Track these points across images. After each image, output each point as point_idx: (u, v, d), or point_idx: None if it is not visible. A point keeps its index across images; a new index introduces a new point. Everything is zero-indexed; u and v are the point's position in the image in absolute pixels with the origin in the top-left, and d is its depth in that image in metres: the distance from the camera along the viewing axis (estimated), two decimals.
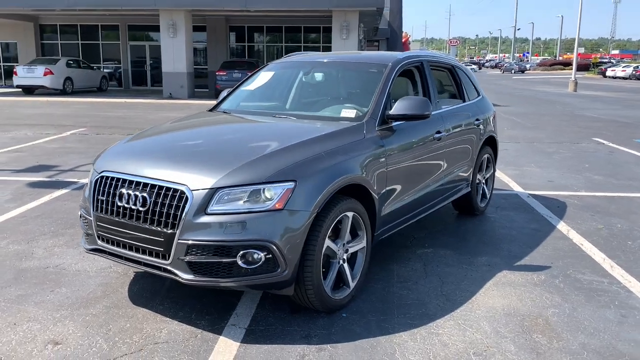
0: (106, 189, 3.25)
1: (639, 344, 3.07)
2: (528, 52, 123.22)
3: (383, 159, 3.72)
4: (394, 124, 4.00)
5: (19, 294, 3.62)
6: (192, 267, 2.95)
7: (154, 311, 3.39)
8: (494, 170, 5.92)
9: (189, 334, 3.11)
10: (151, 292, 3.67)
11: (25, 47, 27.16)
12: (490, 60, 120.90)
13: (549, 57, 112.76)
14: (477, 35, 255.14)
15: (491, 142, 5.73)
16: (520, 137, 11.62)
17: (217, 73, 20.37)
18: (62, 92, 21.46)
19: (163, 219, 2.99)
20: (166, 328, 3.18)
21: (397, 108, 3.89)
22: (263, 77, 4.80)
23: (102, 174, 3.32)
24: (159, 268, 3.06)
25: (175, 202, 2.97)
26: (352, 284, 3.51)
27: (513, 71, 67.85)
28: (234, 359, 2.86)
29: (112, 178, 3.25)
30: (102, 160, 3.50)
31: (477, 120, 5.25)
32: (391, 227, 4.00)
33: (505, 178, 7.42)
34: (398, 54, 4.54)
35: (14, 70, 21.43)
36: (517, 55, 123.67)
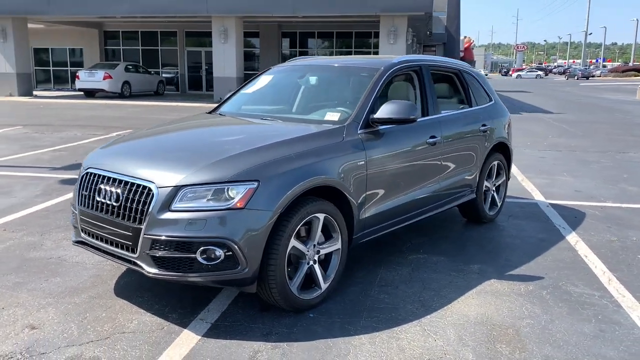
0: (88, 185, 3.44)
1: None
2: (602, 58, 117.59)
3: (362, 162, 3.73)
4: (382, 127, 3.99)
5: (17, 281, 3.88)
6: (156, 261, 3.08)
7: (132, 303, 3.54)
8: (507, 178, 5.76)
9: (156, 325, 3.24)
10: (136, 285, 3.83)
11: (90, 53, 28.67)
12: (558, 66, 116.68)
13: (623, 63, 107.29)
14: (545, 41, 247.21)
15: (502, 149, 5.59)
16: (563, 145, 11.20)
17: None
18: (120, 96, 22.50)
19: (132, 214, 3.14)
20: (137, 319, 3.32)
21: (382, 112, 3.89)
22: (262, 80, 4.91)
23: (87, 170, 3.51)
24: (128, 261, 3.21)
25: (142, 199, 3.12)
26: (323, 285, 3.53)
27: (576, 77, 65.22)
28: (189, 352, 2.95)
29: (94, 174, 3.44)
30: (90, 157, 3.70)
31: (484, 126, 5.14)
32: (375, 231, 3.99)
33: (530, 186, 7.19)
34: (394, 59, 4.53)
35: (77, 74, 22.67)
36: (589, 61, 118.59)
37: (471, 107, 5.25)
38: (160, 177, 3.13)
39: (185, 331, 3.18)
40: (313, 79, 4.73)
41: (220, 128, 4.25)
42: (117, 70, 22.63)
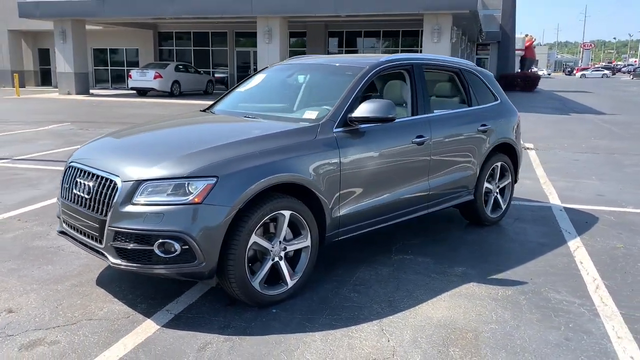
0: (69, 178, 3.63)
1: None
2: None
3: (335, 161, 3.74)
4: (363, 126, 3.99)
5: (12, 267, 4.12)
6: (119, 253, 3.21)
7: (108, 292, 3.70)
8: (514, 180, 5.59)
9: (123, 314, 3.38)
10: (118, 276, 3.98)
11: (145, 53, 29.76)
12: (629, 65, 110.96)
13: None
14: (614, 38, 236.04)
15: (508, 150, 5.43)
16: (602, 148, 10.71)
17: None
18: (170, 94, 23.25)
19: (99, 206, 3.29)
20: (108, 307, 3.46)
21: (359, 110, 3.89)
22: (257, 79, 4.99)
23: (70, 164, 3.70)
24: (97, 251, 3.36)
25: (108, 192, 3.25)
26: (290, 282, 3.57)
27: None
28: (144, 340, 3.06)
29: (74, 168, 3.61)
30: (77, 152, 3.89)
31: (484, 126, 5.02)
32: (352, 229, 3.99)
33: (550, 189, 6.94)
34: (382, 58, 4.50)
35: (129, 73, 23.60)
36: None
37: (470, 106, 5.14)
38: (125, 172, 3.26)
39: (148, 321, 3.29)
40: (301, 78, 4.76)
41: (199, 126, 4.36)
42: (167, 70, 23.39)
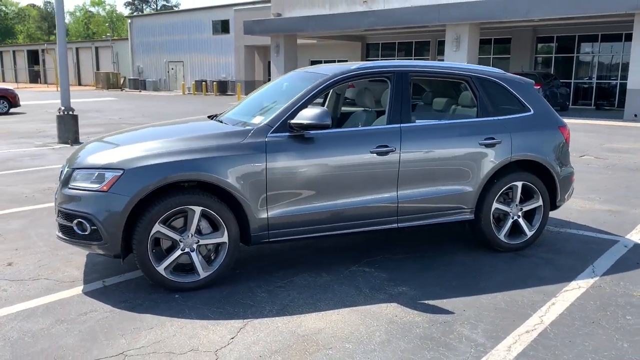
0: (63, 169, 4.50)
1: None
2: None
3: (260, 164, 3.90)
4: (311, 132, 4.06)
5: (42, 230, 5.20)
6: (59, 227, 3.93)
7: (87, 262, 4.46)
8: (546, 203, 4.84)
9: (71, 278, 4.10)
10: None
11: None
12: None
13: None
14: None
15: (535, 168, 4.77)
16: None
17: None
18: None
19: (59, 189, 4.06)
20: (68, 272, 4.22)
21: (298, 117, 3.99)
22: (261, 88, 5.32)
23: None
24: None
25: (63, 177, 3.99)
26: (202, 274, 3.87)
27: None
28: (57, 300, 3.72)
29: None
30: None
31: (490, 139, 4.53)
32: (286, 233, 4.07)
33: None
34: (354, 65, 4.47)
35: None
36: None
37: (479, 117, 4.67)
38: (73, 162, 3.97)
39: (80, 287, 3.95)
40: (284, 85, 4.93)
41: (159, 127, 4.79)
42: (361, 80, 24.44)
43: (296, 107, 4.10)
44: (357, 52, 31.50)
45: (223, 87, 36.11)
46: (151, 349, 3.07)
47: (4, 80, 60.06)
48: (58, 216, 3.93)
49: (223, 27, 37.77)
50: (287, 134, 4.04)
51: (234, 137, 3.98)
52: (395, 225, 4.40)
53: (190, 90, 37.93)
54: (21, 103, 21.45)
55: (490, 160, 4.56)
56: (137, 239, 3.68)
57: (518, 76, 5.06)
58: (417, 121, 4.50)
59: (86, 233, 3.73)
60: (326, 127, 3.97)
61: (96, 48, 52.28)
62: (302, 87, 4.36)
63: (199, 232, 3.87)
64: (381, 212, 4.31)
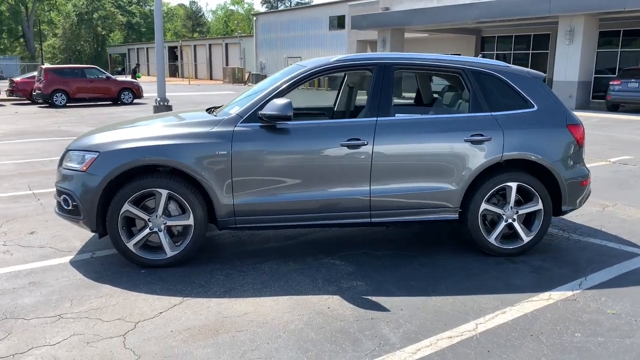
0: None
1: None
2: None
3: (225, 152, 4.08)
4: (285, 123, 4.17)
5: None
6: (56, 203, 4.42)
7: (92, 236, 4.95)
8: (547, 208, 4.46)
9: (71, 249, 4.59)
10: None
11: None
12: None
13: None
14: None
15: (536, 169, 4.44)
16: None
17: (610, 83, 18.11)
18: None
19: None
20: (71, 244, 4.73)
21: (265, 108, 4.11)
22: (261, 82, 5.46)
23: None
24: None
25: (61, 158, 4.49)
26: (169, 252, 4.15)
27: None
28: (45, 266, 4.21)
29: None
30: None
31: (478, 135, 4.30)
32: (252, 220, 4.21)
33: None
34: (334, 58, 4.45)
35: None
36: None
37: (469, 112, 4.43)
38: (71, 144, 4.44)
39: (70, 256, 4.42)
40: (272, 79, 5.00)
41: (161, 117, 5.08)
42: None
43: (267, 98, 4.22)
44: (472, 45, 30.31)
45: (333, 82, 36.64)
46: (86, 315, 3.39)
47: (148, 74, 66.10)
48: (56, 195, 4.42)
49: (339, 22, 38.35)
50: (259, 124, 4.16)
51: (204, 126, 4.20)
52: (368, 220, 4.34)
53: (323, 85, 38.99)
54: (145, 95, 23.58)
55: (477, 158, 4.31)
56: (109, 216, 4.04)
57: (526, 69, 4.70)
58: (397, 115, 4.39)
59: (70, 208, 4.17)
60: (288, 119, 4.04)
61: (226, 45, 55.66)
62: (281, 80, 4.46)
63: (169, 214, 4.15)
64: (353, 205, 4.28)
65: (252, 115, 4.18)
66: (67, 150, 4.33)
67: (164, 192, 4.06)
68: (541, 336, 3.18)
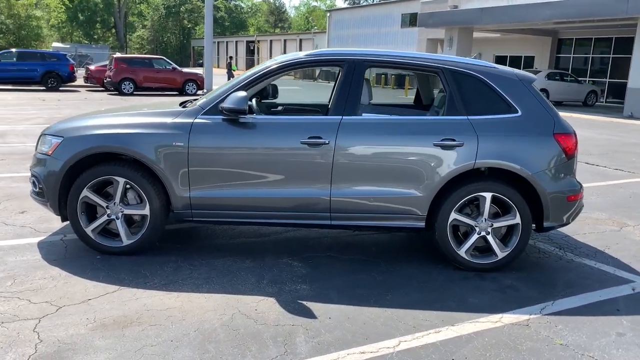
0: None
1: None
2: None
3: (182, 144, 4.05)
4: (247, 118, 4.10)
5: None
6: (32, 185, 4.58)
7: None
8: (526, 223, 4.09)
9: (48, 230, 4.74)
10: None
11: (540, 61, 28.92)
12: None
13: None
14: None
15: (512, 179, 4.09)
16: None
17: None
18: None
19: None
20: (51, 226, 4.88)
21: (225, 101, 4.05)
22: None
23: None
24: None
25: (37, 143, 4.64)
26: (126, 241, 4.19)
27: None
28: (13, 245, 4.36)
29: None
30: None
31: (448, 140, 4.01)
32: (208, 215, 4.17)
33: None
34: (305, 53, 4.30)
35: None
36: None
37: (444, 115, 4.15)
38: (46, 129, 4.58)
39: (45, 237, 4.56)
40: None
41: (137, 108, 5.10)
42: (537, 77, 22.35)
43: (230, 92, 4.14)
44: (547, 47, 28.78)
45: (400, 81, 36.07)
46: (19, 295, 3.48)
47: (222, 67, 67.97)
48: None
49: (411, 20, 37.65)
50: (221, 117, 4.10)
51: (166, 116, 4.19)
52: (328, 222, 4.18)
53: (387, 83, 38.72)
54: (214, 87, 24.23)
55: (447, 164, 4.03)
56: (69, 200, 4.13)
57: (514, 71, 4.34)
58: (365, 115, 4.19)
59: (37, 191, 4.29)
60: (243, 112, 3.95)
61: (300, 40, 56.22)
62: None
63: (127, 203, 4.18)
64: (312, 206, 4.12)
65: (214, 107, 4.13)
66: (42, 134, 4.46)
67: (121, 181, 4.09)
68: None
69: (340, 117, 4.10)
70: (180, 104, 4.50)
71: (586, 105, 23.55)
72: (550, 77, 22.80)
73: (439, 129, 4.08)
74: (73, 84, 23.60)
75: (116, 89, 21.46)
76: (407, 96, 24.00)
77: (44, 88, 21.78)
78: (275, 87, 5.73)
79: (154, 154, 4.05)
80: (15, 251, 4.22)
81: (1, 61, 21.44)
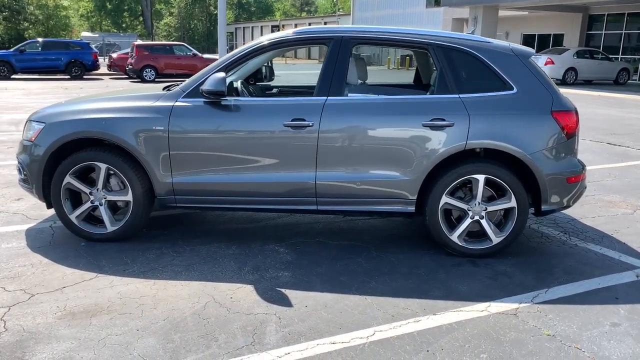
0: None
1: None
2: None
3: (162, 128, 3.94)
4: (228, 100, 3.98)
5: None
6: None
7: None
8: (522, 206, 3.88)
9: (38, 217, 4.72)
10: None
11: (570, 38, 27.93)
12: None
13: None
14: None
15: (509, 160, 3.88)
16: None
17: None
18: (562, 82, 21.55)
19: None
20: (42, 213, 4.85)
21: (205, 83, 3.92)
22: None
23: None
24: None
25: (23, 130, 4.60)
26: (109, 227, 4.13)
27: None
28: (11, 231, 4.36)
29: None
30: None
31: (438, 120, 3.81)
32: (191, 200, 4.07)
33: None
34: (293, 30, 4.14)
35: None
36: None
37: (434, 93, 3.94)
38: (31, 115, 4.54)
39: (34, 224, 4.55)
40: None
41: (123, 93, 5.00)
42: (564, 56, 21.64)
43: (210, 73, 4.01)
44: (577, 24, 27.74)
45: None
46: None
47: None
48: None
49: None
50: (202, 100, 3.98)
51: (146, 100, 4.08)
52: (314, 207, 4.03)
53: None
54: None
55: (437, 145, 3.83)
56: (52, 187, 4.08)
57: (510, 45, 4.09)
58: (350, 95, 4.01)
59: (24, 178, 4.26)
60: (221, 94, 3.82)
61: (325, 23, 55.64)
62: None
63: (111, 189, 4.11)
64: (297, 191, 3.98)
65: (195, 90, 4.00)
66: (27, 120, 4.42)
67: (103, 166, 4.02)
68: (437, 353, 2.75)
69: (325, 97, 3.93)
70: (164, 89, 4.38)
71: (617, 83, 22.69)
72: (579, 55, 22.01)
73: (429, 108, 3.87)
74: (97, 72, 23.87)
75: (138, 76, 21.58)
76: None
77: (68, 77, 22.10)
78: (271, 69, 5.58)
79: (134, 138, 3.95)
80: (1, 238, 4.21)
81: (27, 51, 21.84)
